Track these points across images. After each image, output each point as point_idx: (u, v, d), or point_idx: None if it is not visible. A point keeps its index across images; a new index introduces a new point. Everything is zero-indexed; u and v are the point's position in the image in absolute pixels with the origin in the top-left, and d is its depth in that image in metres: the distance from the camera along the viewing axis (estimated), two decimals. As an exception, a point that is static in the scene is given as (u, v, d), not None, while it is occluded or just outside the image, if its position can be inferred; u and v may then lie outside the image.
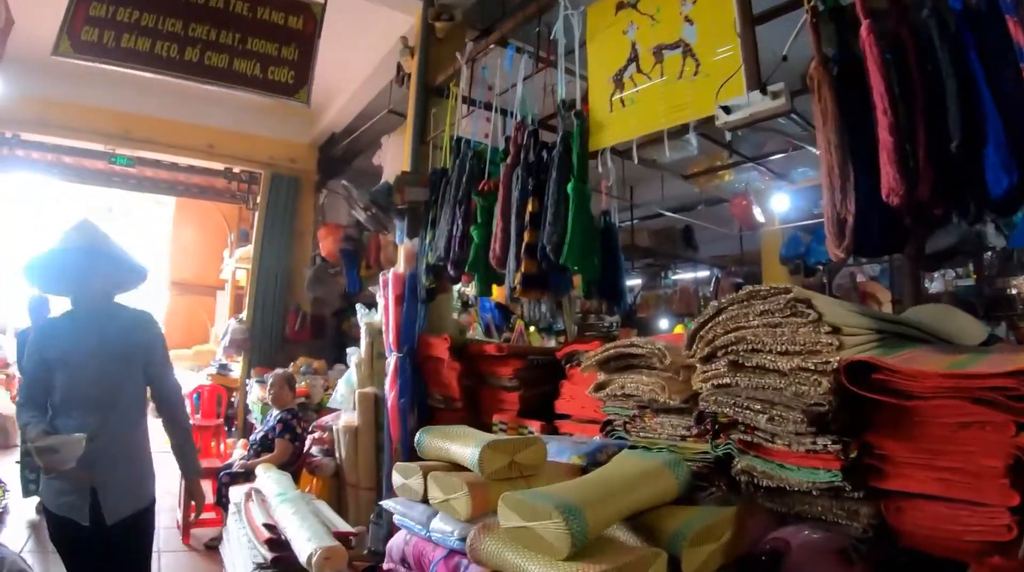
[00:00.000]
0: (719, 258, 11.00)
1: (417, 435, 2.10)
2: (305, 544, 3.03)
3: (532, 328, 6.56)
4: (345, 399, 4.89)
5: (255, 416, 7.35)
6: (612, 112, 3.33)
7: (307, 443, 5.09)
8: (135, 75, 7.97)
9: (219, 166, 9.42)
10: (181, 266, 14.85)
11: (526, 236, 3.33)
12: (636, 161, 3.29)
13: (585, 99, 3.51)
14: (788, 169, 6.91)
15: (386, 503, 2.18)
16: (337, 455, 4.96)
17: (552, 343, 6.41)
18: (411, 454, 2.73)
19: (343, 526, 3.50)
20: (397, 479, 2.01)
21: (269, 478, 3.99)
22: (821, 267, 7.30)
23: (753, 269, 9.70)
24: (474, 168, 4.08)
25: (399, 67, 5.46)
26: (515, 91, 3.85)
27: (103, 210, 20.12)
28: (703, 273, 11.99)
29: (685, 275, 12.61)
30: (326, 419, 5.21)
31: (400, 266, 4.64)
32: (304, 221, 9.31)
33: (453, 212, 4.16)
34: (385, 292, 4.62)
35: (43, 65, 7.73)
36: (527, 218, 3.36)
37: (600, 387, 2.23)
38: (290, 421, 4.96)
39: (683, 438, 1.96)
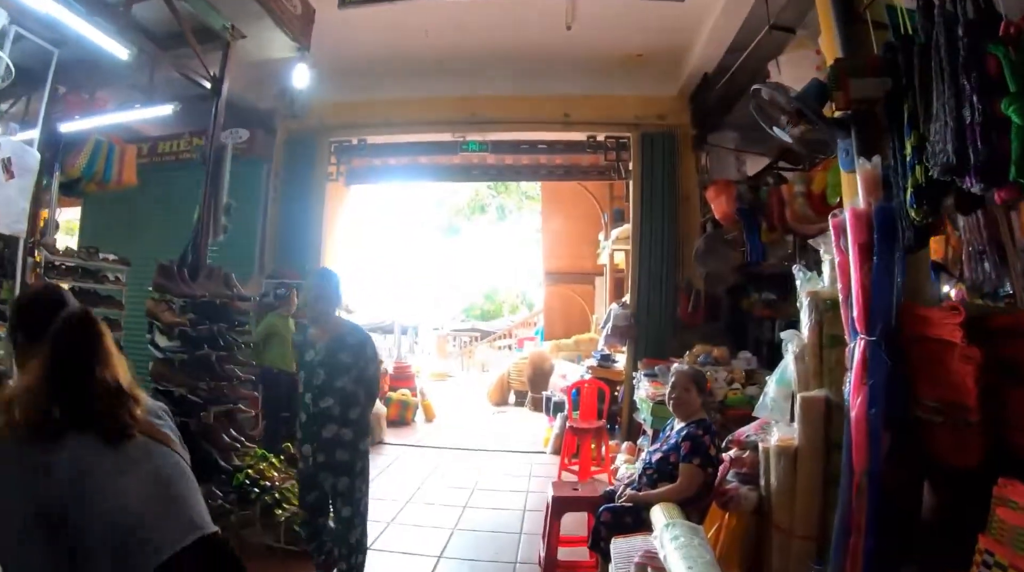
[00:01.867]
0: None
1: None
2: None
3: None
4: (778, 405, 3.44)
5: (643, 416, 6.28)
6: None
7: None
8: (472, 59, 8.10)
9: (580, 136, 8.64)
10: (555, 255, 14.80)
11: None
12: None
13: None
14: None
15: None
16: (762, 484, 3.53)
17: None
18: (879, 493, 2.47)
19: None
20: None
21: (674, 538, 2.72)
22: None
23: None
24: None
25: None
26: None
27: (475, 210, 21.90)
28: None
29: None
30: (747, 431, 3.80)
31: (859, 200, 3.02)
32: (687, 183, 8.06)
33: (956, 88, 2.44)
34: (839, 242, 3.09)
35: (377, 66, 8.29)
36: None
37: None
38: (701, 439, 3.56)
39: None
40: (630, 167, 8.28)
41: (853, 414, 2.93)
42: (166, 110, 5.41)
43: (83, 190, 7.01)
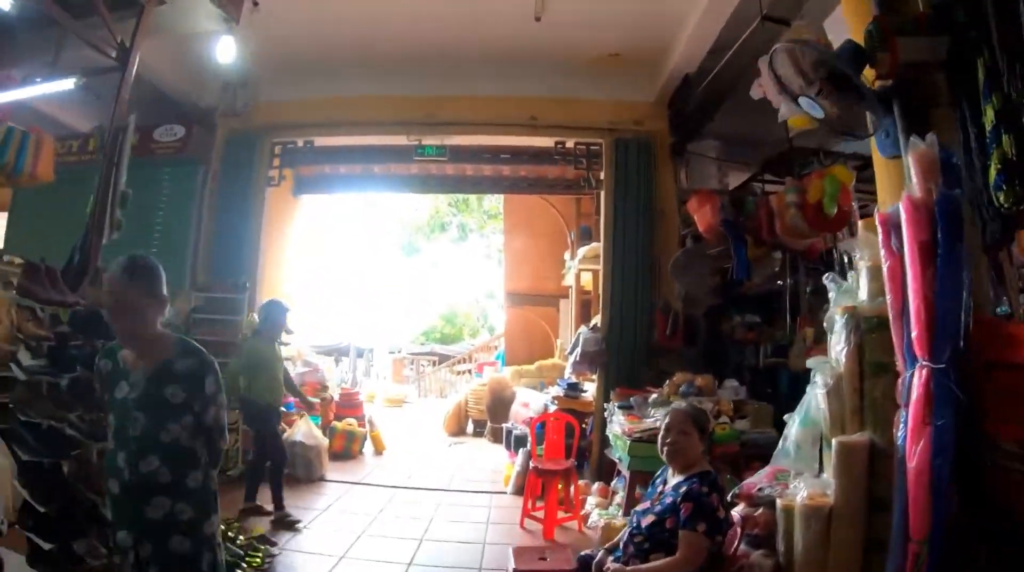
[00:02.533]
0: None
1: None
2: None
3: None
4: (803, 452, 2.74)
5: (618, 454, 5.57)
6: None
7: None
8: (429, 55, 7.34)
9: (547, 142, 7.98)
10: (517, 276, 14.09)
11: None
12: None
13: None
14: None
15: None
16: (780, 549, 2.82)
17: None
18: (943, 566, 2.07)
19: None
20: None
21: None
22: None
23: None
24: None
25: None
26: None
27: (435, 229, 21.16)
28: None
29: None
30: (757, 483, 3.07)
31: (914, 188, 2.34)
32: (664, 195, 7.42)
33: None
34: (888, 242, 2.40)
35: (325, 61, 7.56)
36: None
37: None
38: (706, 498, 2.67)
39: None
40: (601, 177, 7.63)
41: (911, 464, 2.26)
42: (68, 84, 4.59)
43: (-11, 183, 6.14)
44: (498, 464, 8.07)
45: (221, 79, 7.81)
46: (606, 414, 6.21)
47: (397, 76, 7.60)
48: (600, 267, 7.56)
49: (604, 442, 6.43)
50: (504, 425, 8.79)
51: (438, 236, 21.65)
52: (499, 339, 16.81)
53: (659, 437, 3.02)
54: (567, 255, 11.78)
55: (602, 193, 7.59)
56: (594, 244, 10.02)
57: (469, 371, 17.19)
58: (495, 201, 20.39)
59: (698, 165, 7.50)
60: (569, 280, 11.70)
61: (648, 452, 4.82)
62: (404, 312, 27.25)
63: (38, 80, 4.76)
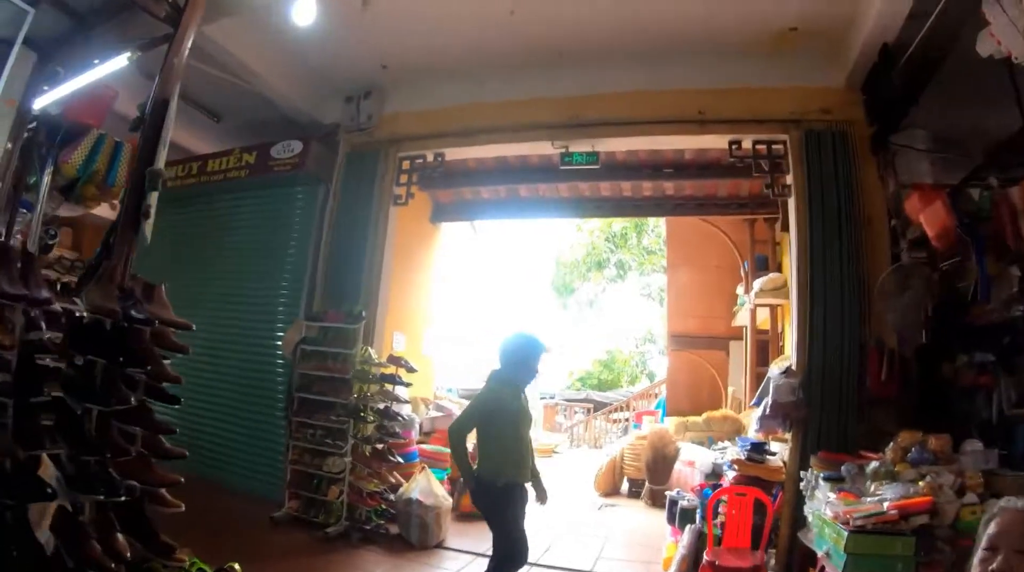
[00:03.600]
0: None
1: None
2: None
3: None
4: None
5: (823, 545, 3.97)
6: None
7: None
8: (572, 47, 6.24)
9: (719, 142, 6.52)
10: (682, 314, 12.52)
11: None
12: None
13: None
14: None
15: None
16: None
17: None
18: None
19: None
20: None
21: None
22: None
23: None
24: None
25: None
26: None
27: (591, 267, 19.72)
28: None
29: None
30: None
31: None
32: (868, 199, 5.75)
33: None
34: None
35: (453, 66, 6.78)
36: None
37: None
38: None
39: None
40: (787, 181, 6.10)
41: None
42: (121, 61, 3.89)
43: (80, 194, 5.69)
44: (657, 537, 6.56)
45: (344, 92, 7.19)
46: (803, 486, 4.63)
47: (535, 75, 6.65)
48: (792, 294, 5.95)
49: (798, 522, 4.81)
50: (666, 492, 7.22)
51: (594, 275, 20.33)
52: (660, 386, 15.18)
53: (974, 557, 1.55)
54: (739, 289, 10.12)
55: (790, 201, 6.06)
56: (772, 275, 8.43)
57: (627, 420, 15.68)
58: (655, 235, 18.94)
59: (905, 160, 5.76)
60: (742, 318, 10.04)
61: (878, 549, 3.42)
62: (557, 355, 25.98)
63: (96, 62, 4.11)
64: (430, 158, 7.21)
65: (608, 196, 8.90)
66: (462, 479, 4.60)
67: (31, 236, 5.35)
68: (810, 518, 4.35)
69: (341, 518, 5.90)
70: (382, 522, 6.04)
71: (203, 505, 6.68)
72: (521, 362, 4.31)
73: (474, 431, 4.24)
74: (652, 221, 18.84)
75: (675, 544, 5.56)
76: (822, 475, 4.29)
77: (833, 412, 5.21)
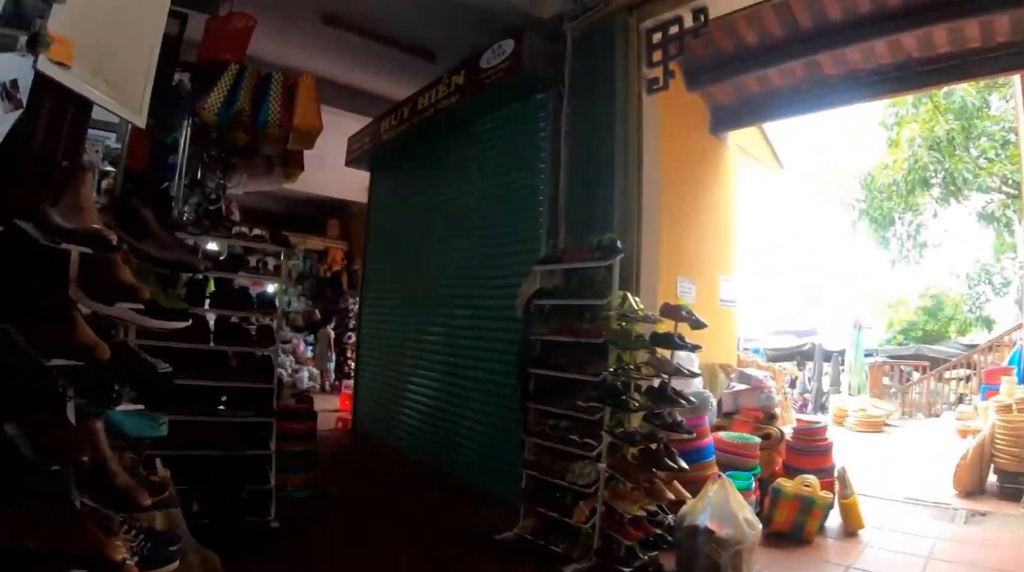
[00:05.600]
0: None
1: None
2: None
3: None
4: None
5: None
6: None
7: None
8: None
9: None
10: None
11: None
12: None
13: None
14: None
15: None
16: None
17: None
18: None
19: None
20: None
21: None
22: None
23: None
24: None
25: None
26: None
27: (913, 187, 15.54)
28: None
29: None
30: None
31: None
32: None
33: None
34: None
35: None
36: None
37: None
38: None
39: None
40: None
41: None
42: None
43: (233, 140, 4.57)
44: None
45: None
46: None
47: None
48: None
49: None
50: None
51: (919, 195, 16.04)
52: (1013, 333, 11.38)
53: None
54: None
55: None
56: None
57: (965, 379, 12.11)
58: (988, 140, 14.62)
59: None
60: None
61: None
62: (874, 302, 21.85)
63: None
64: (688, 20, 4.99)
65: (947, 52, 6.00)
66: None
67: (175, 200, 4.36)
68: None
69: (590, 551, 4.08)
70: (653, 555, 4.15)
71: (425, 510, 5.46)
72: None
73: None
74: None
75: None
76: None
77: None
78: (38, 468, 1.52)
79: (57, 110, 1.79)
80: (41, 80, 1.72)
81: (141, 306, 1.88)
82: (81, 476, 1.70)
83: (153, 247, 2.20)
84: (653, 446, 4.21)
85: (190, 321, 2.42)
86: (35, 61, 1.62)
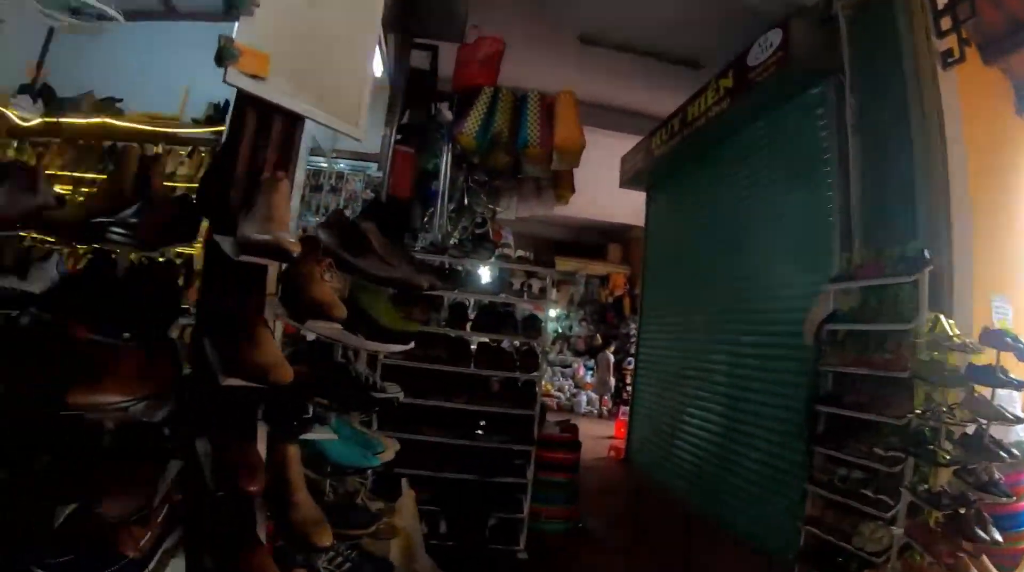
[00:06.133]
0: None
1: None
2: None
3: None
4: None
5: None
6: None
7: None
8: None
9: None
10: None
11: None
12: None
13: None
14: None
15: None
16: None
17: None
18: None
19: None
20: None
21: None
22: None
23: None
24: None
25: None
26: None
27: None
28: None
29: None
30: None
31: None
32: None
33: None
34: None
35: None
36: None
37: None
38: None
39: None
40: None
41: None
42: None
43: (495, 163, 4.61)
44: None
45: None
46: None
47: None
48: None
49: None
50: None
51: None
52: None
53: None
54: None
55: None
56: None
57: None
58: None
59: None
60: None
61: None
62: None
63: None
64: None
65: None
66: None
67: (435, 225, 4.47)
68: None
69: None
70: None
71: (684, 558, 4.95)
72: None
73: None
74: None
75: None
76: None
77: None
78: (210, 491, 1.48)
79: (262, 124, 1.80)
80: (243, 94, 1.74)
81: (337, 325, 1.80)
82: (266, 504, 1.65)
83: (372, 264, 2.14)
84: (962, 510, 3.35)
85: (411, 344, 2.32)
86: (224, 74, 1.63)
